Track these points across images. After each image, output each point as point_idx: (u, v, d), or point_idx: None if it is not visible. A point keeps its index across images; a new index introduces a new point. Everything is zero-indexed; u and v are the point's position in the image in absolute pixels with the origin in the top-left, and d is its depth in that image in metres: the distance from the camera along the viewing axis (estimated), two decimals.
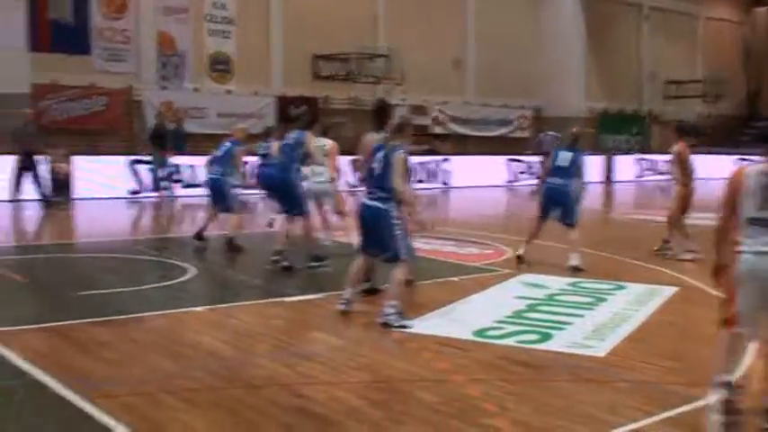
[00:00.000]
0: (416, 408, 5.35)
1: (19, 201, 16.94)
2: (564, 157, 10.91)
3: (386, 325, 7.28)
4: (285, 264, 10.13)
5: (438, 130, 29.06)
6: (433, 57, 28.53)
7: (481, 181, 25.37)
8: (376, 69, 26.05)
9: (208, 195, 12.58)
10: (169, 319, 7.60)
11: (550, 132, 27.46)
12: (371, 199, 7.51)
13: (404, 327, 7.26)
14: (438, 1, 28.83)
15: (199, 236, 11.89)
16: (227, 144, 12.14)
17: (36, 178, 17.29)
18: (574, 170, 10.84)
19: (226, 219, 12.09)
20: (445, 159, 26.05)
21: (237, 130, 12.53)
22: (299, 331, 7.24)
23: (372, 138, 8.93)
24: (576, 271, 10.24)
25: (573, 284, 9.41)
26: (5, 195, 17.03)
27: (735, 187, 4.88)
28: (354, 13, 26.55)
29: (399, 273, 7.47)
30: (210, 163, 12.29)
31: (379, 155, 7.53)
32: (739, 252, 4.83)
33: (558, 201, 10.87)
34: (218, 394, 5.55)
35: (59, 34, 21.30)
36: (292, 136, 10.59)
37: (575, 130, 11.30)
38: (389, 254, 7.48)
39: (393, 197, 7.42)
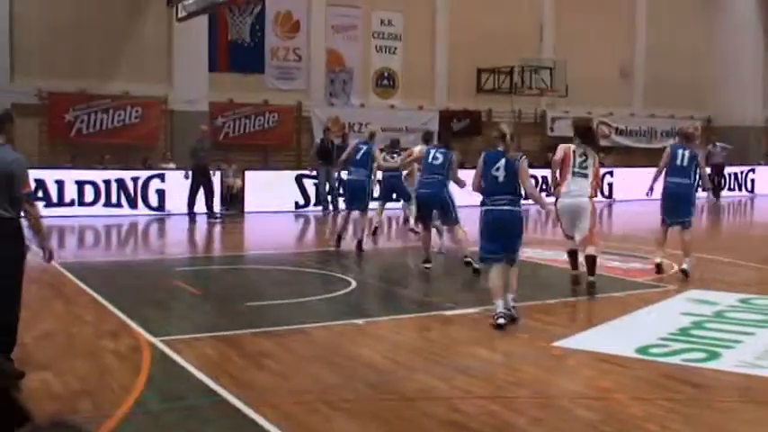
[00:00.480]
0: (577, 426, 5.27)
1: (194, 214, 17.81)
2: (682, 156, 10.79)
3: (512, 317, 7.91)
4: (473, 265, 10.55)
5: (603, 142, 28.38)
6: (598, 67, 27.93)
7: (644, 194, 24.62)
8: (540, 81, 25.78)
9: (347, 196, 13.42)
10: (330, 331, 7.81)
11: (719, 143, 26.28)
12: (502, 204, 7.98)
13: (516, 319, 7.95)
14: (606, 10, 28.17)
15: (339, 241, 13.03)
16: (363, 146, 12.96)
17: (210, 193, 18.11)
18: (692, 169, 10.83)
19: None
20: (609, 172, 25.45)
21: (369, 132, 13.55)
22: (457, 345, 7.26)
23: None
24: (684, 275, 10.18)
25: (743, 301, 8.99)
26: (183, 208, 17.95)
27: None
28: (519, 26, 26.41)
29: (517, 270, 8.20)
30: (351, 165, 13.08)
31: (500, 164, 7.98)
32: None
33: (677, 200, 10.92)
34: (374, 405, 5.66)
35: (237, 55, 22.40)
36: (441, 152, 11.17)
37: (683, 127, 10.79)
38: (514, 255, 8.14)
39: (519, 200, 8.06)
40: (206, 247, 15.21)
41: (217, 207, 18.25)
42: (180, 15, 17.76)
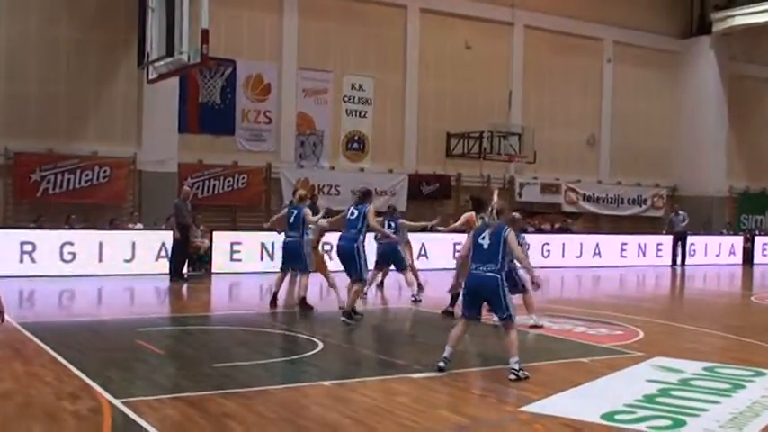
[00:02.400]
0: None
1: (182, 273, 17.85)
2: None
3: (516, 377, 8.24)
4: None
5: (569, 208, 28.75)
6: (566, 135, 28.46)
7: (611, 260, 24.91)
8: (508, 147, 26.14)
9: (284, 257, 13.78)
10: (296, 392, 7.73)
11: (681, 212, 26.66)
12: (484, 271, 8.55)
13: (527, 376, 8.31)
14: (574, 79, 28.81)
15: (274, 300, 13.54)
16: (294, 210, 13.51)
17: (185, 253, 18.09)
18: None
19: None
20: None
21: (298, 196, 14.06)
22: (425, 409, 7.21)
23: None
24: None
25: (708, 369, 9.04)
26: (149, 269, 17.83)
27: None
28: (488, 92, 26.86)
29: (515, 331, 8.67)
30: (287, 227, 13.56)
31: (486, 233, 8.59)
32: None
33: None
34: None
35: (207, 116, 22.54)
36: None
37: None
38: (505, 315, 8.57)
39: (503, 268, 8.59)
40: (172, 308, 15.06)
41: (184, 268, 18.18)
42: (151, 77, 17.83)
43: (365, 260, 11.96)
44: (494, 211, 8.79)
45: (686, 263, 26.12)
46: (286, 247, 13.56)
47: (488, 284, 8.51)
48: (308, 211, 13.28)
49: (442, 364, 8.53)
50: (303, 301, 13.22)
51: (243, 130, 23.26)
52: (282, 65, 23.75)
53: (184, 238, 17.74)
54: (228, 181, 22.60)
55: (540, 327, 11.80)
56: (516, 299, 12.28)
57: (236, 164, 22.89)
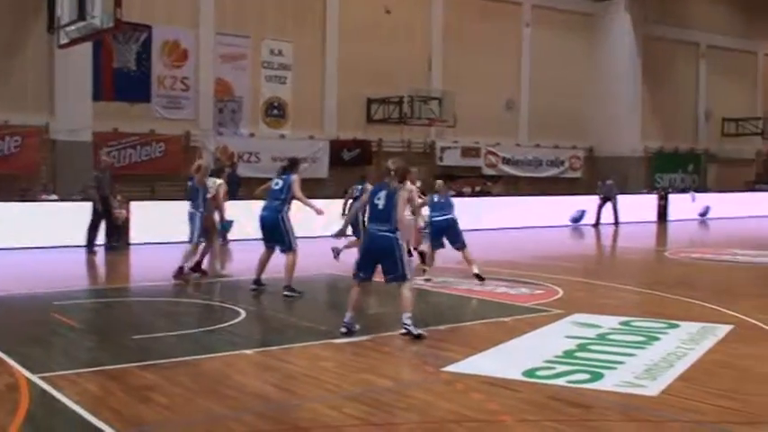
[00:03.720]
0: None
1: (94, 245, 17.53)
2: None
3: (408, 333, 8.45)
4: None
5: (490, 171, 29.05)
6: (485, 99, 28.64)
7: (531, 221, 25.27)
8: (429, 112, 26.21)
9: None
10: (219, 362, 7.66)
11: (609, 181, 27.04)
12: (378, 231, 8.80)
13: (420, 335, 8.44)
14: (493, 43, 28.97)
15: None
16: (189, 182, 13.39)
17: (110, 224, 17.87)
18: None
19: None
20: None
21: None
22: (348, 373, 7.23)
23: None
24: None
25: (625, 323, 9.28)
26: (65, 240, 17.43)
27: None
28: (408, 57, 26.82)
29: (408, 288, 8.78)
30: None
31: (382, 194, 8.81)
32: None
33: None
34: None
35: (122, 83, 21.92)
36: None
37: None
38: (398, 274, 8.71)
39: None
40: (89, 280, 14.76)
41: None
42: (62, 42, 17.25)
43: (292, 230, 11.48)
44: (392, 172, 8.89)
45: (600, 222, 26.52)
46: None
47: (383, 244, 8.68)
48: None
49: (344, 329, 8.65)
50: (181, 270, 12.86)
51: (160, 97, 22.77)
52: (199, 30, 23.28)
53: (105, 209, 17.36)
54: (146, 150, 22.13)
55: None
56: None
57: (153, 132, 22.43)
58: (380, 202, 8.78)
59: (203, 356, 7.82)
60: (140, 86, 22.28)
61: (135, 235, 18.86)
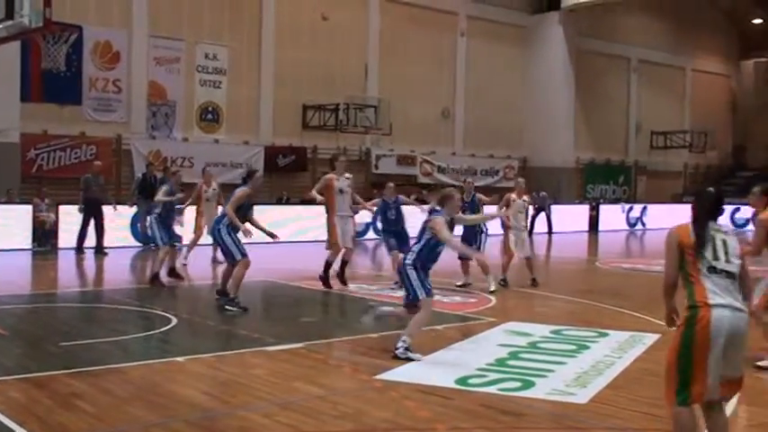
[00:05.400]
0: None
1: (83, 249, 17.71)
2: None
3: (396, 357, 7.90)
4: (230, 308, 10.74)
5: (425, 180, 29.21)
6: (421, 107, 28.82)
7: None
8: (365, 119, 26.25)
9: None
10: (149, 369, 7.53)
11: (542, 192, 27.43)
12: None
13: (410, 359, 7.88)
14: (429, 53, 29.19)
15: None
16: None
17: (101, 229, 17.87)
18: None
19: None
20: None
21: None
22: (280, 381, 7.18)
23: None
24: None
25: (556, 332, 9.40)
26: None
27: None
28: (344, 64, 26.83)
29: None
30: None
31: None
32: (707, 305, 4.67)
33: None
34: None
35: (52, 84, 21.47)
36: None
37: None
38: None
39: None
40: (16, 286, 14.38)
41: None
42: None
43: (232, 242, 10.89)
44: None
45: (534, 231, 26.80)
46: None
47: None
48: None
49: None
50: (156, 276, 12.96)
51: (91, 99, 22.34)
52: (132, 32, 22.93)
53: (99, 213, 17.73)
54: (76, 152, 21.68)
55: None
56: None
57: (83, 134, 21.99)
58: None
59: (133, 363, 7.67)
60: (71, 88, 21.85)
61: (64, 239, 18.44)
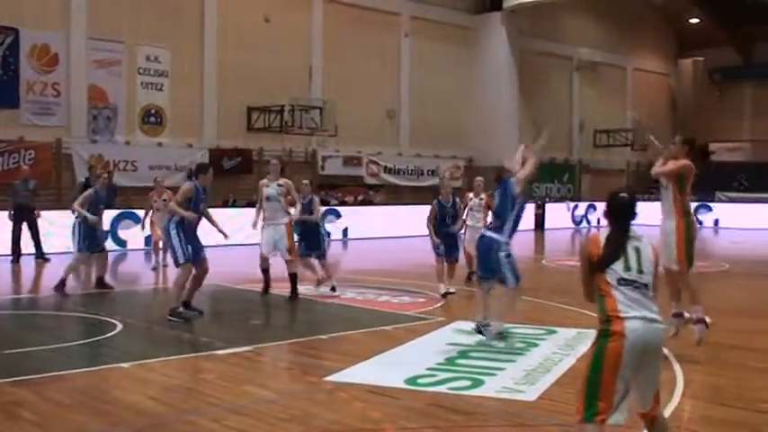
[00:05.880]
0: None
1: (20, 255, 17.39)
2: None
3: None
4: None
5: (371, 180, 29.22)
6: (366, 108, 28.81)
7: (413, 230, 25.50)
8: (310, 121, 26.15)
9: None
10: (94, 376, 7.41)
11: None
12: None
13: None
14: (373, 53, 29.19)
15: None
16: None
17: (36, 233, 17.58)
18: None
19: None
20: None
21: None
22: (229, 385, 7.10)
23: None
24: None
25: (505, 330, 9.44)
26: None
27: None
28: (289, 66, 26.68)
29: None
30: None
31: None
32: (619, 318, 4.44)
33: None
34: None
35: None
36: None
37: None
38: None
39: None
40: None
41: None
42: None
43: (178, 242, 10.48)
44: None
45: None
46: None
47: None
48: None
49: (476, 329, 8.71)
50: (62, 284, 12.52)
51: (29, 103, 21.85)
52: (70, 34, 22.47)
53: (31, 218, 17.48)
54: (14, 157, 21.14)
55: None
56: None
57: (21, 139, 21.49)
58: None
59: (78, 371, 7.54)
60: (7, 91, 21.34)
61: (3, 246, 18.01)
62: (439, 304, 11.66)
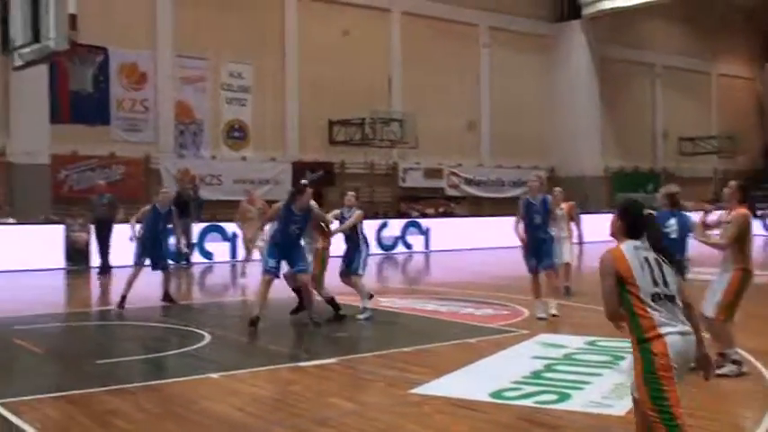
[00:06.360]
0: None
1: (109, 267, 17.71)
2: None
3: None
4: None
5: (452, 192, 29.15)
6: (447, 120, 28.79)
7: (496, 242, 25.35)
8: (390, 133, 26.27)
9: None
10: (184, 386, 7.56)
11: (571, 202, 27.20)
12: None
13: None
14: (452, 65, 29.15)
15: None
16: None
17: (105, 247, 17.82)
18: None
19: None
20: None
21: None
22: (315, 397, 7.17)
23: None
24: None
25: (591, 343, 9.31)
26: (29, 265, 17.28)
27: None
28: (369, 79, 26.89)
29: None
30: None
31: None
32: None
33: None
34: None
35: (80, 105, 21.72)
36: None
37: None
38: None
39: None
40: (51, 305, 14.49)
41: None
42: (16, 64, 17.00)
43: (263, 254, 11.02)
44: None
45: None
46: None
47: None
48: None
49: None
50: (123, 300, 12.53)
51: (119, 119, 22.56)
52: (158, 52, 23.13)
53: (105, 232, 17.74)
54: (105, 172, 21.87)
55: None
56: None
57: (112, 155, 22.20)
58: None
59: (168, 380, 7.72)
60: (99, 109, 22.09)
61: (96, 258, 18.58)
62: (522, 317, 11.54)
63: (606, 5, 31.16)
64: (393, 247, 24.17)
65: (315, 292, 11.20)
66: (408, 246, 24.54)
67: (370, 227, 23.28)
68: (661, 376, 4.25)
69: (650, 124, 36.33)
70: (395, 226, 24.33)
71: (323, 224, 11.32)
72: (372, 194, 26.94)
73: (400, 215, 26.21)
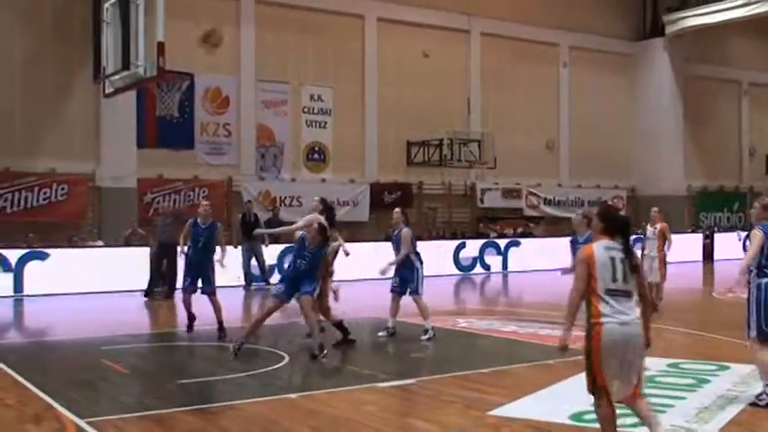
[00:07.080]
0: None
1: (155, 291, 17.91)
2: None
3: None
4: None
5: (531, 212, 28.91)
6: (525, 140, 28.64)
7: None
8: (468, 154, 26.25)
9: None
10: (263, 406, 7.66)
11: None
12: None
13: None
14: (531, 84, 29.02)
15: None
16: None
17: (170, 271, 17.90)
18: None
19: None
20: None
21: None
22: (393, 417, 7.18)
23: None
24: None
25: (673, 366, 9.12)
26: (112, 287, 17.73)
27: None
28: (447, 99, 26.96)
29: None
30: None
31: None
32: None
33: None
34: None
35: (166, 130, 22.34)
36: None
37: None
38: None
39: None
40: (136, 325, 14.86)
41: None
42: (107, 91, 17.60)
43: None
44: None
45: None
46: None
47: None
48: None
49: None
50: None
51: (202, 143, 23.10)
52: (241, 77, 23.64)
53: (170, 255, 17.34)
54: (189, 195, 22.39)
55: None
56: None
57: (196, 178, 22.72)
58: None
59: (248, 400, 7.81)
60: (183, 133, 22.68)
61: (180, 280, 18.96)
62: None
63: (690, 23, 30.56)
64: (471, 267, 24.06)
65: (322, 317, 11.05)
66: (486, 266, 24.38)
67: (448, 248, 23.46)
68: (592, 350, 5.49)
69: (736, 142, 35.45)
70: (472, 247, 24.22)
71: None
72: (450, 215, 26.91)
73: (478, 235, 26.09)
